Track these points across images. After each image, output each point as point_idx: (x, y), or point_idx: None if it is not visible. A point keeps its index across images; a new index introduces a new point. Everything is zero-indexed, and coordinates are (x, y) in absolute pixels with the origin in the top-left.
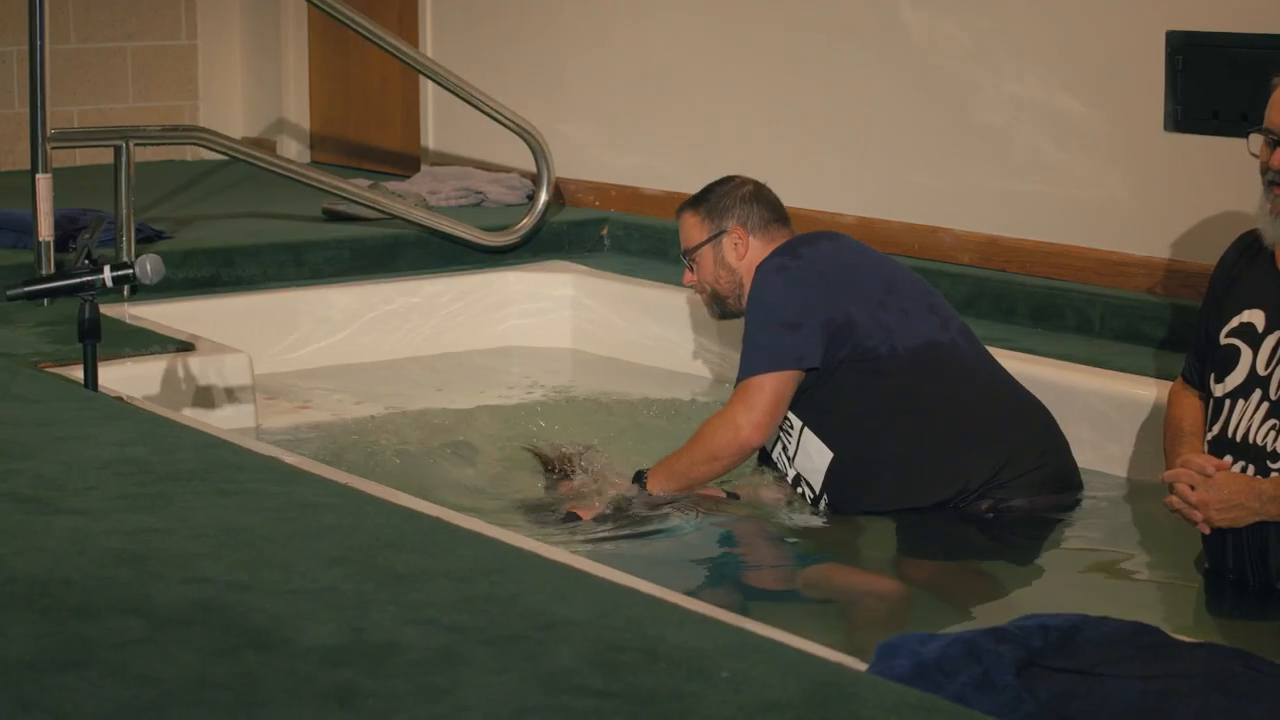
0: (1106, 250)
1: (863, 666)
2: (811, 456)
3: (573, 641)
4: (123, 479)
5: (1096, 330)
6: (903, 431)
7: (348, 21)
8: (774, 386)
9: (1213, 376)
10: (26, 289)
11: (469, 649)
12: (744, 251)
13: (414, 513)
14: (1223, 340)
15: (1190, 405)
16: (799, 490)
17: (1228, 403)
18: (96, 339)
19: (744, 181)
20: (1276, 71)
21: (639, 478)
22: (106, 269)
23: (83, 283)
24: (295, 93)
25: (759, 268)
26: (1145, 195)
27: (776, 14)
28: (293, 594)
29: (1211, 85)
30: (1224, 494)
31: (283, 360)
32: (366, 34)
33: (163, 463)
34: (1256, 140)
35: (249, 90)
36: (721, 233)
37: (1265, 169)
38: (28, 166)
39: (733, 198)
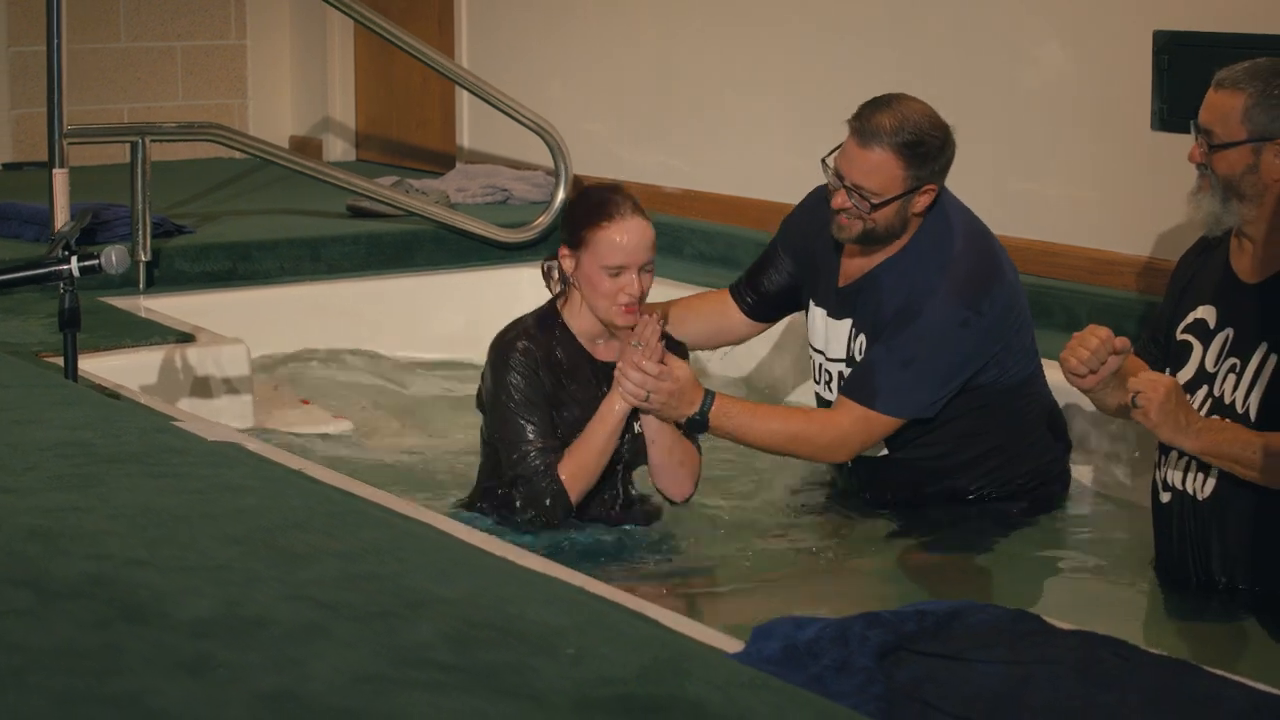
0: (1094, 249)
1: (737, 647)
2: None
3: (435, 619)
4: (62, 460)
5: (1083, 327)
6: (992, 445)
7: (381, 30)
8: (890, 428)
9: (1168, 372)
10: None
11: (333, 624)
12: (924, 208)
13: (330, 495)
14: (1178, 336)
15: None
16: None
17: None
18: (76, 328)
19: (946, 127)
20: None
21: (706, 402)
22: (73, 259)
23: (49, 272)
24: (341, 93)
25: (953, 294)
26: (1132, 194)
27: (799, 14)
28: (183, 570)
29: (1197, 84)
30: (1172, 395)
31: (292, 353)
32: (398, 42)
33: (106, 445)
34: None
35: (297, 90)
36: (918, 189)
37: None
38: (79, 163)
39: (942, 155)
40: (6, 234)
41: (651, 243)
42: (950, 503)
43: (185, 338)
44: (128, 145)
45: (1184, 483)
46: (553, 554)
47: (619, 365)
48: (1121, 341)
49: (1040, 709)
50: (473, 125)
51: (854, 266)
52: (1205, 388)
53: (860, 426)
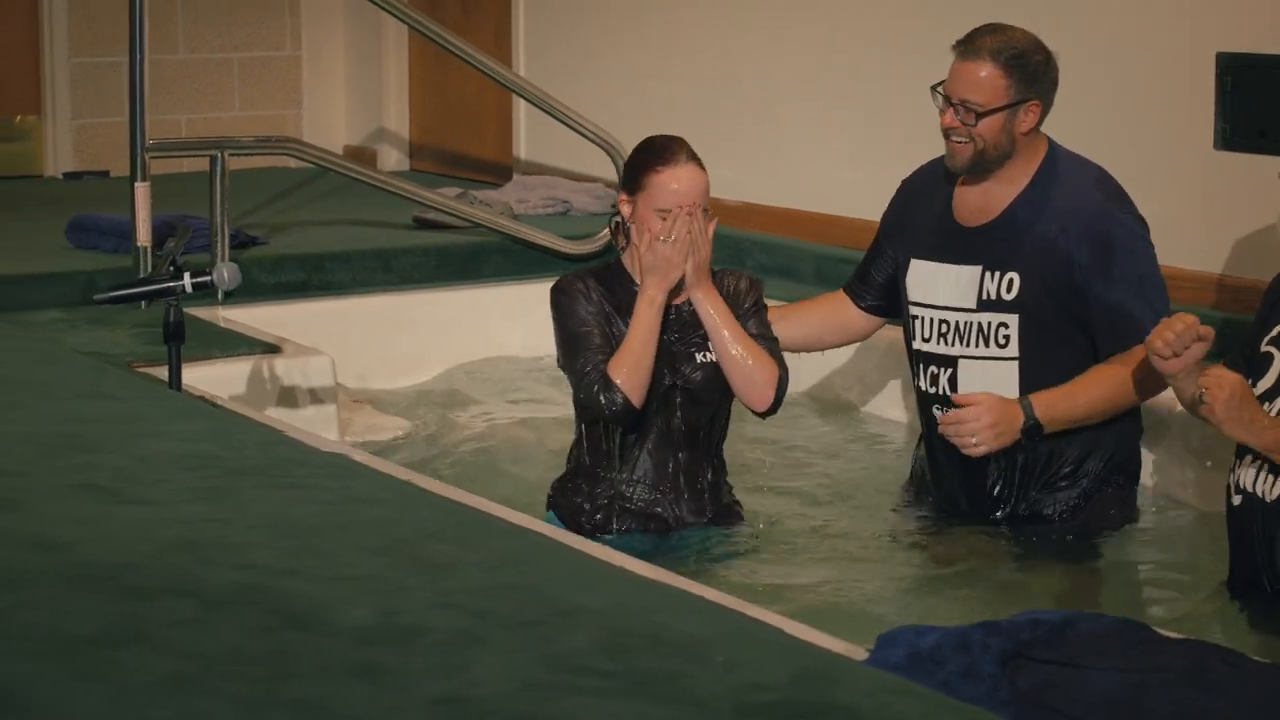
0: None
1: (862, 655)
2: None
3: (585, 627)
4: (190, 473)
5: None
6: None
7: (441, 41)
8: None
9: (1250, 381)
10: (112, 294)
11: (487, 632)
12: (1029, 126)
13: (458, 507)
14: (1261, 348)
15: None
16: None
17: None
18: (181, 341)
19: (1048, 50)
20: None
21: (1028, 409)
22: (186, 276)
23: (165, 288)
24: (396, 103)
25: (1115, 205)
26: (1195, 211)
27: (854, 30)
28: (333, 580)
29: (1259, 105)
30: (1237, 391)
31: (370, 363)
32: (459, 52)
33: (230, 458)
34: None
35: (351, 100)
36: (1023, 102)
37: None
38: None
39: (1046, 74)
40: (85, 245)
41: (704, 188)
42: (1039, 493)
43: (271, 349)
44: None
45: (1254, 485)
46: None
47: (644, 257)
48: (1207, 329)
49: (1157, 715)
50: (530, 137)
51: (974, 208)
52: None
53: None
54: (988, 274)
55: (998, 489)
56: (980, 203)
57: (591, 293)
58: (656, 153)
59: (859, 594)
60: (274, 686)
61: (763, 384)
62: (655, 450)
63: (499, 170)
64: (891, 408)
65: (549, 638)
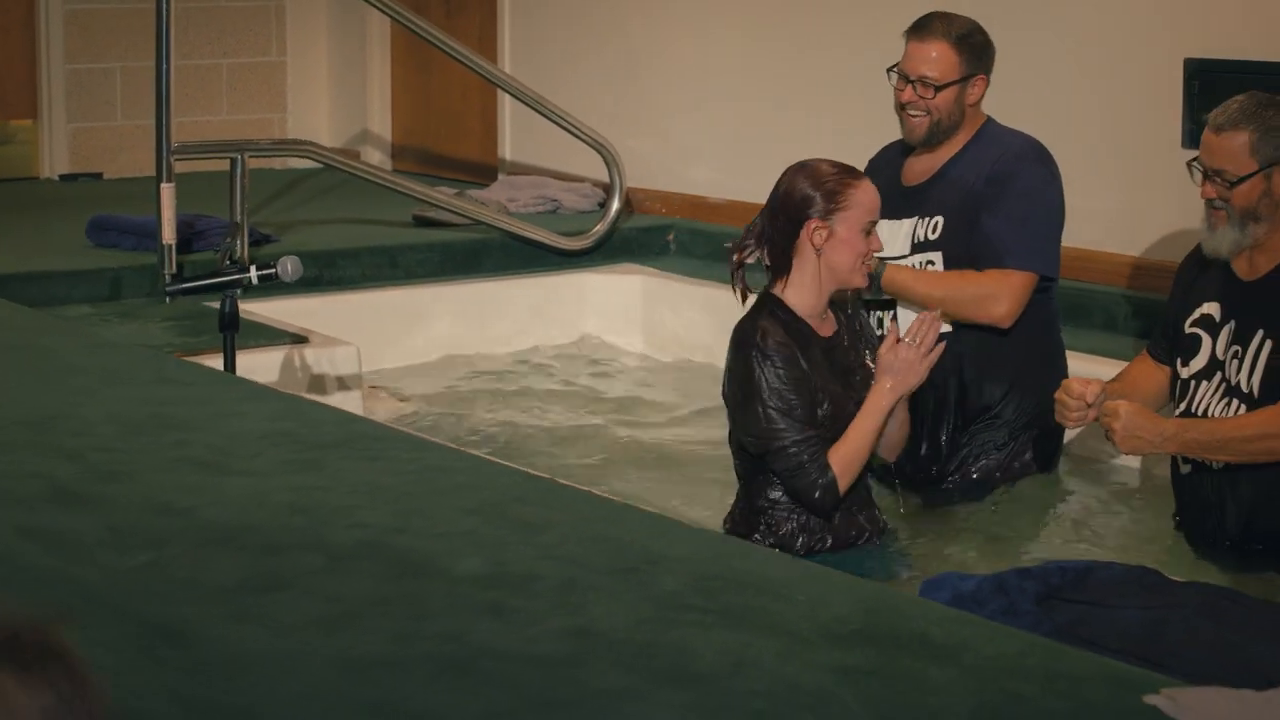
0: (1130, 255)
1: (911, 597)
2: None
3: (675, 573)
4: (279, 448)
5: (1120, 328)
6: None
7: (435, 41)
8: (1027, 285)
9: (1179, 361)
10: (184, 286)
11: (591, 578)
12: (977, 98)
13: (531, 475)
14: (1187, 329)
15: (1140, 368)
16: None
17: (1192, 383)
18: (236, 329)
19: (985, 31)
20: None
21: (879, 267)
22: (253, 268)
23: (233, 280)
24: (379, 106)
25: (1032, 159)
26: (1163, 205)
27: (839, 30)
28: (440, 536)
29: None
30: (1128, 422)
31: (383, 353)
32: (453, 53)
33: (311, 434)
34: (1197, 172)
35: (335, 103)
36: (972, 76)
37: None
38: (131, 174)
39: (987, 51)
40: (105, 243)
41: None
42: (969, 448)
43: (299, 339)
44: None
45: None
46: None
47: (885, 356)
48: (1092, 392)
49: (1181, 644)
50: (515, 138)
51: (918, 170)
52: (1219, 374)
53: (1001, 283)
54: (920, 222)
55: (926, 448)
56: (924, 167)
57: (791, 349)
58: (842, 170)
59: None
60: (417, 623)
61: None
62: None
63: (483, 171)
64: None
65: (646, 582)
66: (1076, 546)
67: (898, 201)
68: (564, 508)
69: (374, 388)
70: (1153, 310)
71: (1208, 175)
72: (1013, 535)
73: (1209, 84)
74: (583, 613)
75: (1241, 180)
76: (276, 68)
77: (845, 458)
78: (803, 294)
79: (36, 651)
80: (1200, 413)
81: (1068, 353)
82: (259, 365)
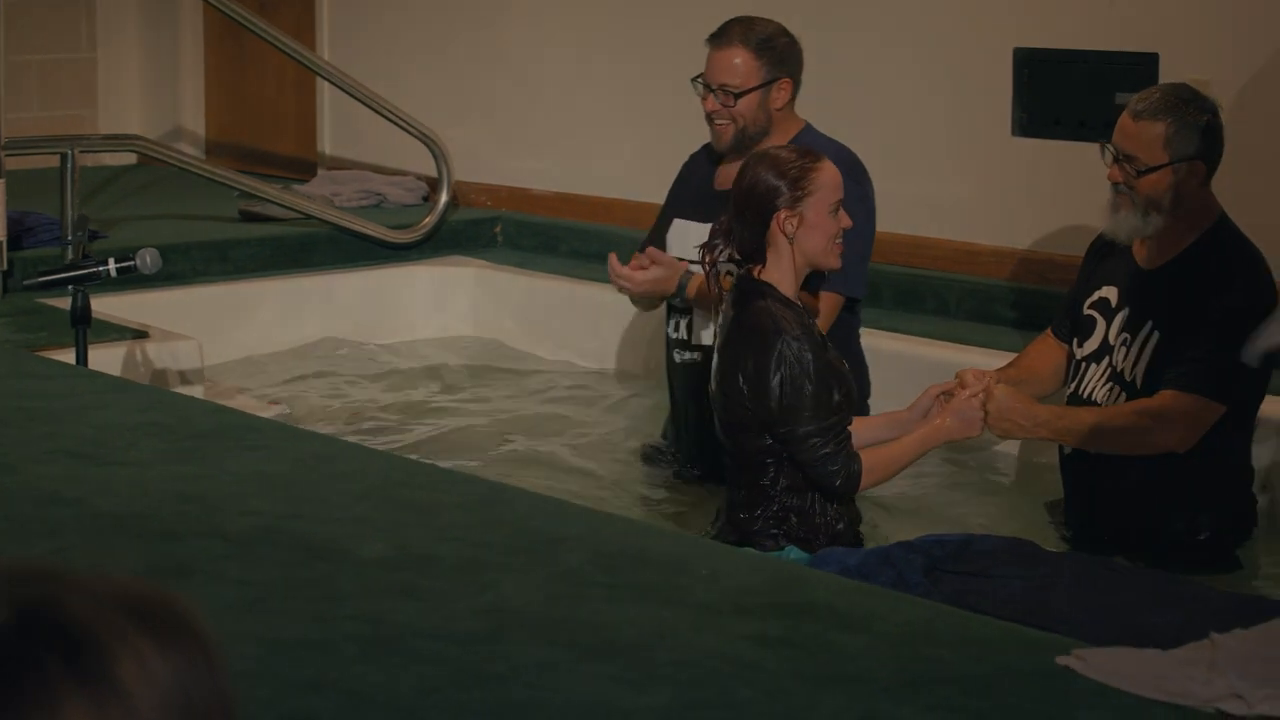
0: (961, 241)
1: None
2: None
3: (576, 551)
4: (153, 439)
5: (951, 312)
6: None
7: (253, 27)
8: (839, 308)
9: (1075, 341)
10: (43, 279)
11: (496, 557)
12: (783, 103)
13: (412, 461)
14: (1084, 311)
15: (1039, 349)
16: None
17: (1083, 365)
18: (88, 324)
19: (790, 34)
20: (1121, 89)
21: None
22: (111, 261)
23: (90, 273)
24: (192, 101)
25: (845, 174)
26: (994, 191)
27: (666, 24)
28: (337, 521)
29: (1052, 95)
30: (1002, 405)
31: (218, 347)
32: (269, 38)
33: (181, 425)
34: (1108, 153)
35: (147, 99)
36: (775, 81)
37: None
38: None
39: (792, 54)
40: None
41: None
42: None
43: (140, 334)
44: None
45: None
46: None
47: (963, 403)
48: (938, 388)
49: (1065, 609)
50: (334, 133)
51: (731, 172)
52: (1106, 359)
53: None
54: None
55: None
56: (734, 171)
57: (813, 333)
58: (801, 156)
59: None
60: (333, 605)
61: None
62: None
63: (302, 166)
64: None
65: (549, 560)
66: (953, 521)
67: (709, 204)
68: (451, 491)
69: (208, 382)
70: (984, 295)
71: (1118, 158)
72: (892, 511)
73: (1038, 73)
74: (493, 591)
75: (1151, 170)
76: (87, 64)
77: (875, 464)
78: (783, 281)
79: (172, 621)
80: (1087, 395)
81: (906, 336)
82: (102, 361)
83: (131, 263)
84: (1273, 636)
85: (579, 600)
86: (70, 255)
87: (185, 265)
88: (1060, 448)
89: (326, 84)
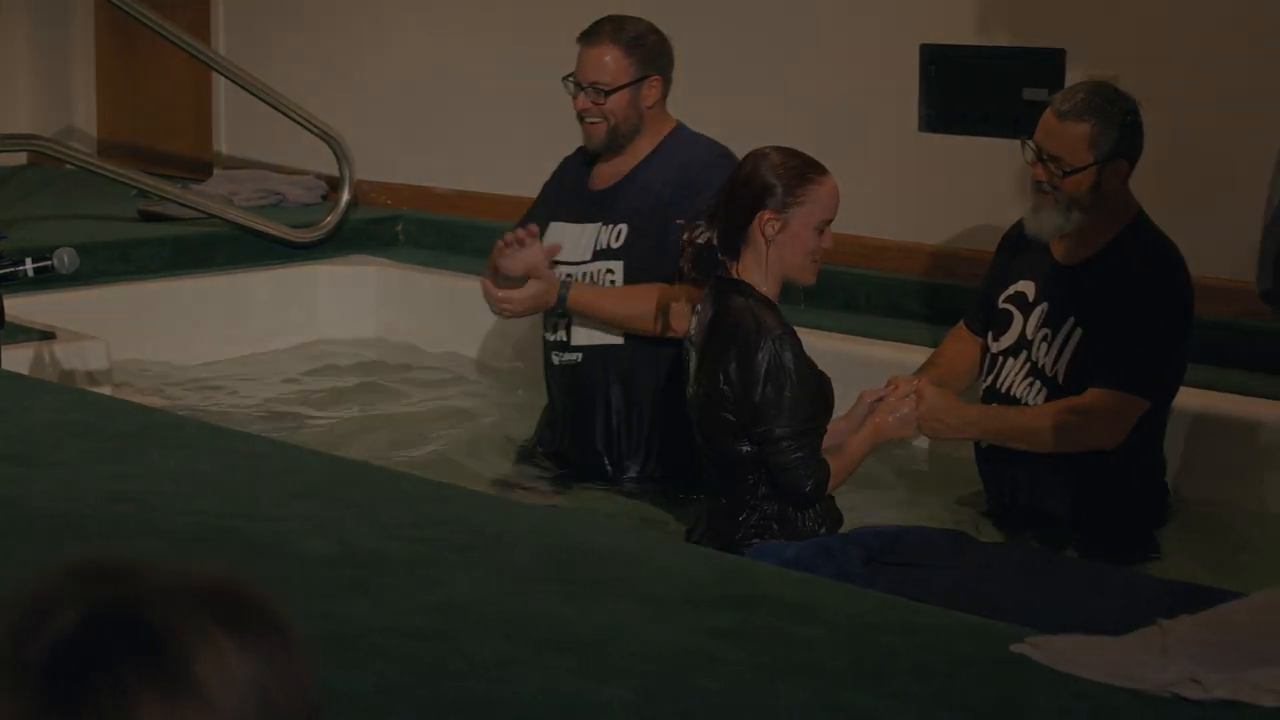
0: (868, 236)
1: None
2: None
3: (521, 547)
4: (79, 439)
5: (860, 307)
6: None
7: (148, 21)
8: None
9: (990, 335)
10: None
11: (442, 554)
12: (654, 100)
13: (345, 460)
14: (1000, 305)
15: (955, 346)
16: None
17: (1000, 359)
18: (1, 326)
19: (660, 31)
20: (1027, 85)
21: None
22: (28, 261)
23: (7, 273)
24: (83, 101)
25: (723, 170)
26: (901, 187)
27: (562, 21)
28: (278, 520)
29: (958, 91)
30: (932, 404)
31: (122, 348)
32: (164, 33)
33: (107, 426)
34: (1029, 150)
35: (36, 98)
36: (645, 78)
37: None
38: None
39: (662, 52)
40: None
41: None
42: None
43: (47, 335)
44: None
45: None
46: None
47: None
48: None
49: (1000, 596)
50: (230, 130)
51: (605, 173)
52: (1025, 353)
53: (679, 296)
54: (604, 228)
55: (603, 439)
56: (611, 171)
57: (794, 335)
58: (806, 165)
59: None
60: (285, 604)
61: None
62: None
63: (196, 166)
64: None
65: (496, 557)
66: (884, 515)
67: (584, 205)
68: (388, 489)
69: (118, 385)
70: (893, 288)
71: (1041, 157)
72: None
73: (944, 69)
74: (444, 587)
75: (1077, 171)
76: None
77: (837, 469)
78: (760, 282)
79: (256, 620)
80: (1005, 389)
81: (821, 332)
82: (10, 362)
83: (49, 262)
84: (1218, 621)
85: (532, 595)
86: None
87: (87, 265)
88: (976, 441)
89: (223, 83)
